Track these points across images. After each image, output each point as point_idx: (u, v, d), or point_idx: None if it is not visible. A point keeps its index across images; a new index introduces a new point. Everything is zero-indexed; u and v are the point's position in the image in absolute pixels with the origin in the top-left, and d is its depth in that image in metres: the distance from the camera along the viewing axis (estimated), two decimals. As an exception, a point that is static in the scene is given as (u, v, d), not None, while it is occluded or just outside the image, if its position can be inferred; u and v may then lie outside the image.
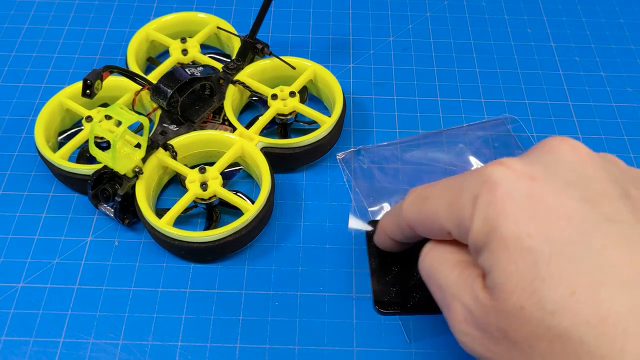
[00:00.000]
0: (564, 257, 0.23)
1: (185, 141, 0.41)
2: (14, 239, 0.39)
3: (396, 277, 0.36)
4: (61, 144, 0.42)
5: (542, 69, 0.50)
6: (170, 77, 0.40)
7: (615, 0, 0.55)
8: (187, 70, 0.41)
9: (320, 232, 0.40)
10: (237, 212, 0.39)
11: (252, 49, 0.45)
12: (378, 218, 0.39)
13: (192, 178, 0.39)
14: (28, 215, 0.40)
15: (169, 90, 0.40)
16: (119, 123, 0.37)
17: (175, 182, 0.42)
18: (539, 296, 0.23)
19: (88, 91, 0.37)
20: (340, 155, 0.43)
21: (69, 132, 0.43)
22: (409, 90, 0.48)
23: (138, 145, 0.38)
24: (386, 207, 0.40)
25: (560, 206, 0.24)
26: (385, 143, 0.44)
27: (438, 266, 0.28)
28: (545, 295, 0.23)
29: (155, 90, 0.40)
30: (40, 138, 0.40)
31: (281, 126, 0.44)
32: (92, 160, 0.40)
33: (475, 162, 0.43)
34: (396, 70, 0.49)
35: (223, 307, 0.36)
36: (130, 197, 0.38)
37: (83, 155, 0.42)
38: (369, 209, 0.40)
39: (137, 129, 0.42)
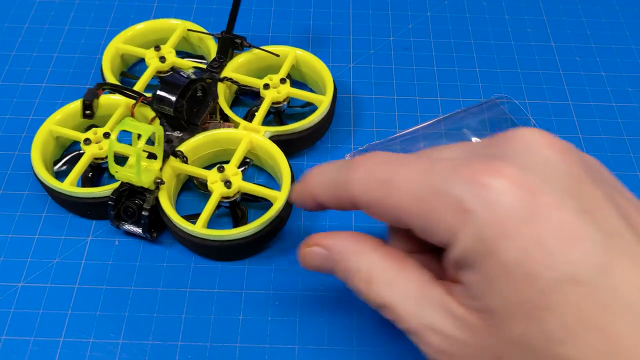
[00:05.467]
0: (572, 283, 0.21)
1: (194, 144, 0.40)
2: (14, 238, 0.39)
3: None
4: (57, 173, 0.41)
5: (542, 68, 0.50)
6: (169, 83, 0.39)
7: (615, 0, 0.55)
8: (181, 74, 0.40)
9: (320, 232, 0.39)
10: (260, 205, 0.40)
11: (231, 44, 0.45)
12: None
13: (214, 179, 0.38)
14: (28, 215, 0.40)
15: (173, 97, 0.39)
16: (139, 136, 0.36)
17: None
18: (545, 325, 0.21)
19: (88, 111, 0.36)
20: (348, 157, 0.43)
21: (63, 160, 0.41)
22: (409, 90, 0.48)
23: (150, 156, 0.38)
24: None
25: (563, 225, 0.22)
26: (390, 137, 0.44)
27: (386, 287, 0.26)
28: (552, 323, 0.21)
29: (159, 99, 0.39)
30: (43, 171, 0.39)
31: (276, 114, 0.44)
32: (95, 182, 0.40)
33: None
34: (396, 70, 0.49)
35: (223, 307, 0.36)
36: (155, 209, 0.38)
37: (86, 179, 0.40)
38: None
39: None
